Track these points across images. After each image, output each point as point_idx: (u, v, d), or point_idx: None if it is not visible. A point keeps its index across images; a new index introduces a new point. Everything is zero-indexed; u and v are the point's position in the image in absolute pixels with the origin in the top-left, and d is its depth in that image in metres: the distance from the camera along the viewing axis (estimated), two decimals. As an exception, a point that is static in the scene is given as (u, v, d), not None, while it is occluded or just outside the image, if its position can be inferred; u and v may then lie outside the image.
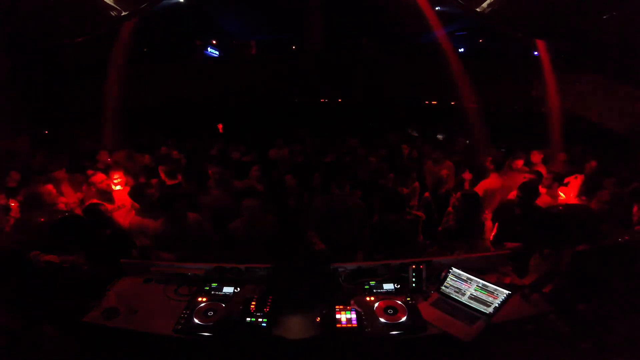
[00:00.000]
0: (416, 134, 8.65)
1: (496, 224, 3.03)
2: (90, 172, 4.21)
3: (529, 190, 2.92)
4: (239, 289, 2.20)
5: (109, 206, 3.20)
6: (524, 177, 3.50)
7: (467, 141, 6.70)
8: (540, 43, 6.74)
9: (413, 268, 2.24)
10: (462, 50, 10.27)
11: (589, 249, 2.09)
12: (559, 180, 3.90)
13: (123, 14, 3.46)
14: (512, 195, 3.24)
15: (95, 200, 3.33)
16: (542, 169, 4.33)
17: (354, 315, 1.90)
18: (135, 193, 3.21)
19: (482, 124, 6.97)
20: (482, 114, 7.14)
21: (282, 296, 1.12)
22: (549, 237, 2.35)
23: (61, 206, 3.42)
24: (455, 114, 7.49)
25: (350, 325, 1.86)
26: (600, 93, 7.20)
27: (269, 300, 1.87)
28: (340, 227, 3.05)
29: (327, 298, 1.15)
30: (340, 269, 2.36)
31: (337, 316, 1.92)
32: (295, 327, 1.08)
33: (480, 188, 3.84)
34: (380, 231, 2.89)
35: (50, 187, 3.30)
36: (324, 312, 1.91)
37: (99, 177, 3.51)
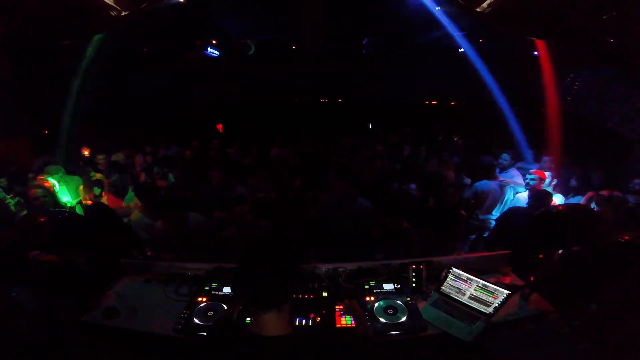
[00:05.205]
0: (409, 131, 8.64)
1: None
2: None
3: (538, 200, 2.86)
4: (239, 289, 2.21)
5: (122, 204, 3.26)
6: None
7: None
8: (539, 43, 6.72)
9: (413, 268, 2.25)
10: (462, 50, 10.25)
11: (588, 249, 2.09)
12: None
13: (123, 14, 3.45)
14: None
15: (112, 196, 3.37)
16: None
17: (353, 315, 1.89)
18: (142, 192, 3.23)
19: (482, 124, 6.96)
20: (482, 114, 7.15)
21: (246, 295, 1.14)
22: (547, 236, 2.35)
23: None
24: (455, 114, 7.49)
25: (349, 325, 1.86)
26: (600, 93, 7.19)
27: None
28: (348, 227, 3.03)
29: (287, 295, 1.16)
30: (340, 269, 2.37)
31: (337, 316, 1.92)
32: (265, 324, 1.09)
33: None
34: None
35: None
36: (323, 312, 1.92)
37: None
